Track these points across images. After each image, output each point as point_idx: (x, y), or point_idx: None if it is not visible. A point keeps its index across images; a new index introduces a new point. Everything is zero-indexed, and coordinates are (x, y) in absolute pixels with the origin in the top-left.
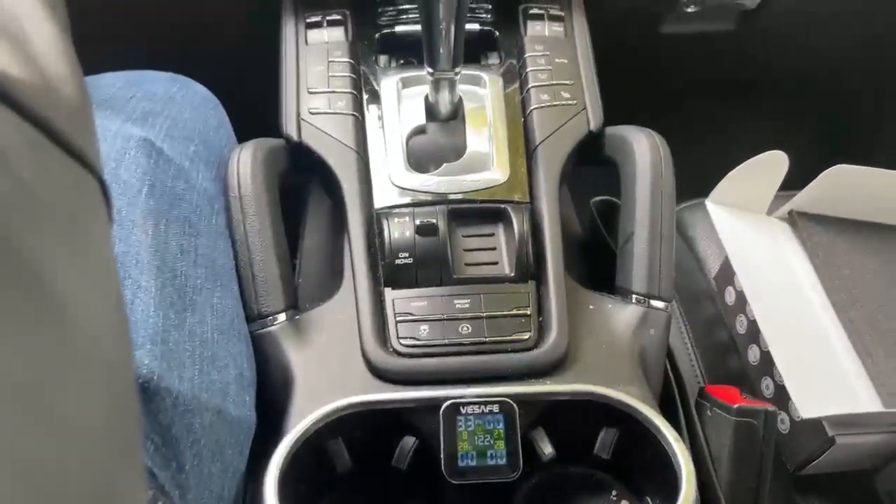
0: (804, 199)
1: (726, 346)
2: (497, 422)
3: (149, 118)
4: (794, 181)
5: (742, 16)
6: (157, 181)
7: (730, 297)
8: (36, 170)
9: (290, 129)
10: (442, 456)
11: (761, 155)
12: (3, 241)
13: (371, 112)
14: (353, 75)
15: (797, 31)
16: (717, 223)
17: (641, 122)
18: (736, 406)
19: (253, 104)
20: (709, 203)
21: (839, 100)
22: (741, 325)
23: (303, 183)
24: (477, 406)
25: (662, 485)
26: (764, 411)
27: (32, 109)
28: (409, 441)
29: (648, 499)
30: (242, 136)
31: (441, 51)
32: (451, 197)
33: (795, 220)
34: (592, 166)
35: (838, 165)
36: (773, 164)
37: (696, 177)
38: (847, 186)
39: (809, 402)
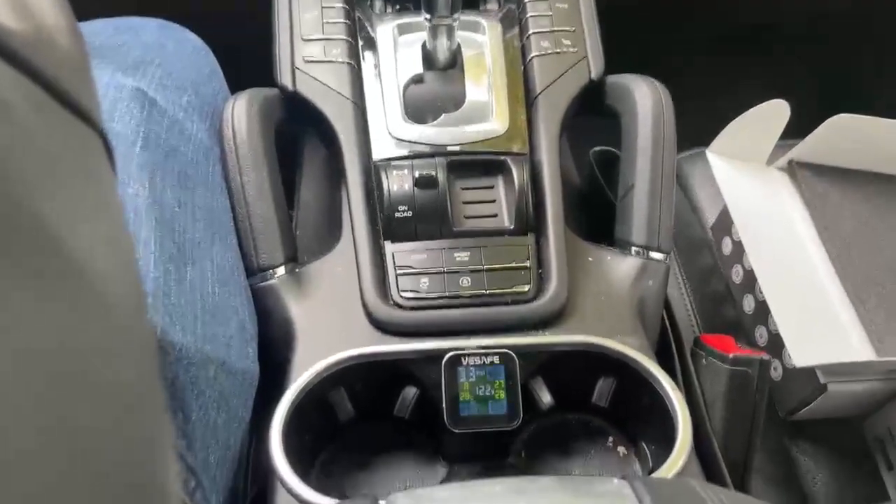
0: (804, 149)
1: (722, 296)
2: (498, 373)
3: (140, 67)
4: (797, 129)
5: None
6: (151, 133)
7: (727, 246)
8: (39, 124)
9: (284, 78)
10: (444, 406)
11: (762, 105)
12: (19, 201)
13: (367, 60)
14: (347, 21)
15: None
16: (716, 173)
17: (643, 68)
18: (731, 355)
19: (244, 51)
20: (709, 153)
21: (843, 48)
22: (737, 275)
23: (297, 131)
24: (478, 358)
25: (658, 432)
26: (759, 360)
27: (30, 62)
28: (411, 391)
29: (644, 445)
30: (234, 84)
31: None
32: (450, 148)
33: (795, 170)
34: (591, 116)
35: (839, 115)
36: (774, 114)
37: (697, 124)
38: (847, 136)
39: (803, 351)
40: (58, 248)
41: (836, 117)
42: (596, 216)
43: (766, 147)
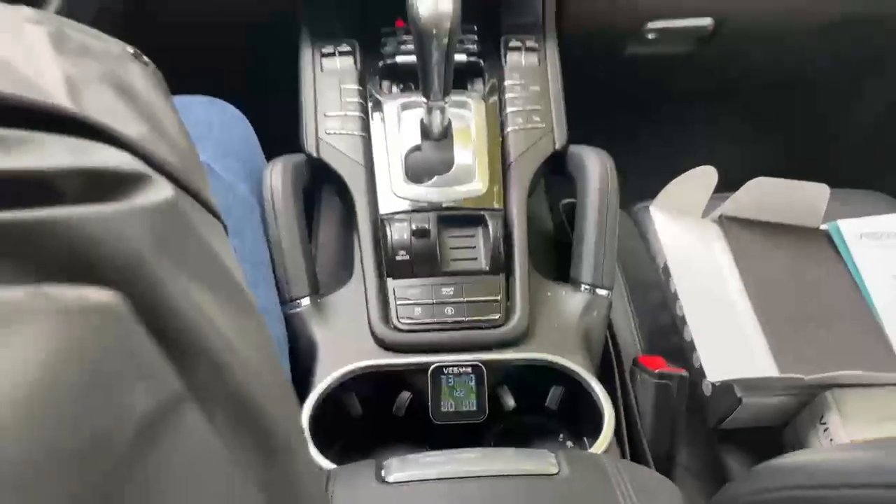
0: (731, 205)
1: (669, 327)
2: (470, 380)
3: (200, 142)
4: (738, 183)
5: (698, 40)
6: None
7: (673, 286)
8: (201, 226)
9: (310, 147)
10: (429, 404)
11: (695, 169)
12: (226, 273)
13: (376, 131)
14: (361, 100)
15: (747, 51)
16: (657, 225)
17: (604, 132)
18: (657, 371)
19: (272, 119)
20: (651, 208)
21: (781, 111)
22: (680, 310)
23: (316, 185)
24: (455, 368)
25: (595, 428)
26: (679, 376)
27: (183, 181)
28: (405, 395)
29: (585, 439)
30: (264, 145)
31: (434, 85)
32: (442, 205)
33: (724, 222)
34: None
35: (757, 178)
36: (705, 177)
37: (655, 179)
38: (765, 195)
39: (716, 369)
40: (242, 290)
41: (754, 180)
42: (564, 257)
43: (700, 203)
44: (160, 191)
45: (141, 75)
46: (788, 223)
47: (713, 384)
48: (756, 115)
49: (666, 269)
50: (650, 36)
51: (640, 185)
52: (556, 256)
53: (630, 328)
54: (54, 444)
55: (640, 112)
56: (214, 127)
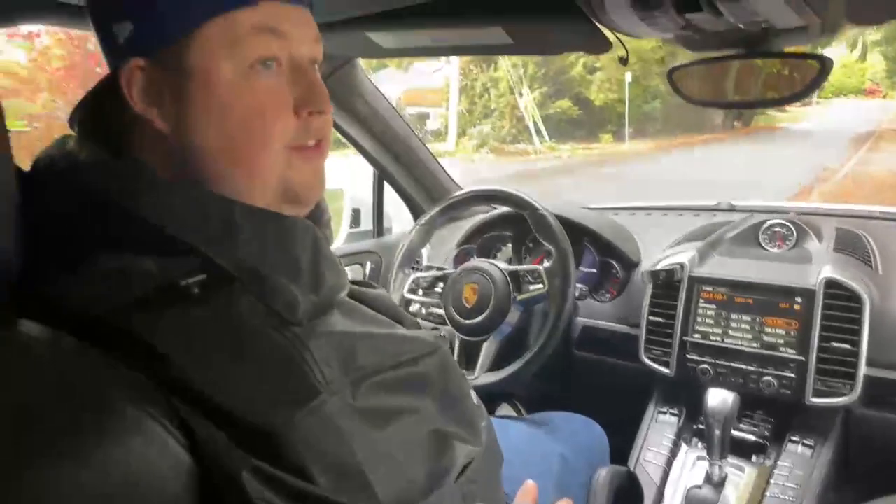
0: None
1: None
2: None
3: (569, 440)
4: None
5: None
6: (562, 482)
7: None
8: None
9: (630, 464)
10: None
11: None
12: None
13: (676, 466)
14: (673, 447)
15: None
16: None
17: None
18: None
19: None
20: None
21: None
22: None
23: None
24: None
25: None
26: None
27: None
28: None
29: None
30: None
31: (715, 449)
32: None
33: None
34: None
35: None
36: None
37: None
38: None
39: None
40: None
41: None
42: None
43: None
44: None
45: None
46: None
47: None
48: None
49: None
50: None
51: None
52: None
53: None
54: None
55: None
56: (581, 432)
